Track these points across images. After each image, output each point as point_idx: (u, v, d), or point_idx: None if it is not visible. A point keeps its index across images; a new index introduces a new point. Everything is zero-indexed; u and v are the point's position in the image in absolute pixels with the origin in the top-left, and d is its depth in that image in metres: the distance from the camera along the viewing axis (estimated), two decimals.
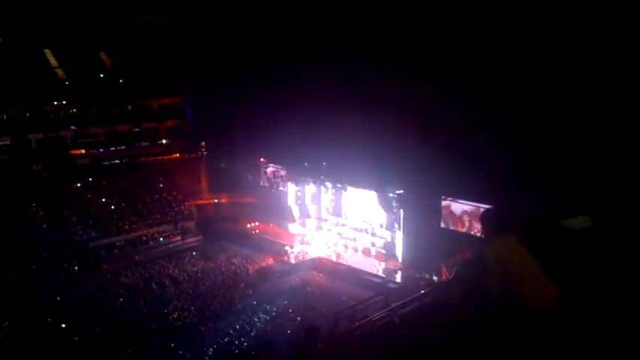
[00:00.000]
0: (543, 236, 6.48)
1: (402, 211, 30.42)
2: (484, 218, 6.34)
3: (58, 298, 28.32)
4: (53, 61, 41.68)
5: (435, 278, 26.63)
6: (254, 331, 24.21)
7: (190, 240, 37.65)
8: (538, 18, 24.40)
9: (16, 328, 24.80)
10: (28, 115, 40.07)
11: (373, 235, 32.23)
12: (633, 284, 6.29)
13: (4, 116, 39.37)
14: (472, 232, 26.82)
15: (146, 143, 43.73)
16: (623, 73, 21.73)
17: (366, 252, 32.32)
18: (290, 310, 26.38)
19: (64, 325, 25.41)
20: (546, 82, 24.15)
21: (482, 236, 6.35)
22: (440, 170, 26.31)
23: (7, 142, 38.74)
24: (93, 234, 35.23)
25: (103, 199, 38.29)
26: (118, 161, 41.82)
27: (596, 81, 22.43)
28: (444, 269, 25.41)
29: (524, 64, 25.05)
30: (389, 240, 31.33)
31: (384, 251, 31.49)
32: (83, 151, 40.89)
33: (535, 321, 5.62)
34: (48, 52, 41.55)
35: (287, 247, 34.81)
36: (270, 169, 39.24)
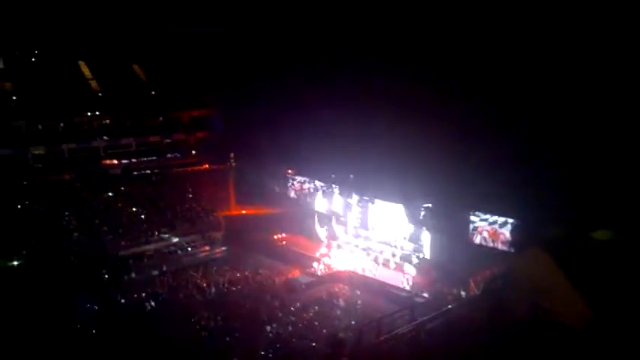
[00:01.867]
0: (572, 251, 6.39)
1: (429, 224, 30.20)
2: (515, 232, 6.30)
3: (88, 305, 28.75)
4: (87, 73, 42.73)
5: (462, 293, 26.33)
6: (279, 343, 24.18)
7: (218, 250, 37.91)
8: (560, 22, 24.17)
9: (48, 335, 25.21)
10: (62, 125, 41.06)
11: (402, 249, 32.04)
12: None
13: (39, 126, 40.40)
14: (500, 247, 26.47)
15: (176, 154, 44.40)
16: None
17: (394, 266, 32.11)
18: (316, 322, 26.30)
19: (94, 332, 25.78)
20: (577, 94, 23.87)
21: (511, 251, 6.30)
22: (470, 184, 26.11)
23: (42, 152, 39.70)
24: (123, 243, 35.75)
25: (134, 209, 38.88)
26: (148, 171, 42.52)
27: (623, 95, 22.11)
28: (473, 284, 25.13)
29: (557, 73, 24.81)
30: (417, 254, 31.10)
31: (413, 265, 31.26)
32: (115, 161, 41.72)
33: (565, 338, 5.54)
34: (82, 64, 42.63)
35: (314, 259, 34.78)
36: (297, 181, 39.38)
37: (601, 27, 23.00)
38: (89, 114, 41.97)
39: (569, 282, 5.75)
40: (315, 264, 34.35)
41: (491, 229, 27.86)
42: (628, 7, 22.23)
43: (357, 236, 34.77)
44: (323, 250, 36.20)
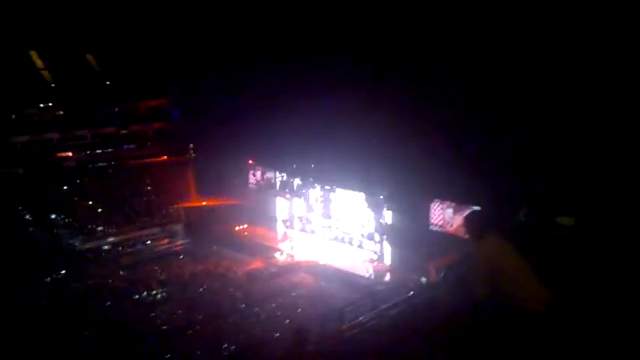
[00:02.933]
0: (531, 236, 6.50)
1: (390, 212, 30.47)
2: (470, 220, 6.36)
3: (44, 302, 28.05)
4: (39, 63, 41.34)
5: (423, 280, 26.68)
6: (242, 334, 24.09)
7: (178, 243, 37.38)
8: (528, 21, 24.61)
9: (0, 332, 24.51)
10: (13, 117, 39.71)
11: (362, 237, 32.26)
12: (619, 283, 6.33)
13: None
14: (461, 234, 26.89)
15: (133, 146, 43.50)
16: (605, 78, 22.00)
17: (355, 254, 32.33)
18: (279, 313, 26.31)
19: (49, 329, 25.15)
20: (536, 85, 24.35)
21: (469, 237, 6.35)
22: (428, 171, 26.41)
23: None
24: (79, 237, 34.90)
25: (90, 202, 37.97)
26: (104, 164, 41.52)
27: (583, 84, 22.66)
28: (433, 270, 25.48)
29: (512, 65, 25.26)
30: (378, 242, 31.38)
31: (373, 253, 31.52)
32: (69, 153, 40.58)
33: (524, 321, 5.63)
34: (34, 54, 41.22)
35: (276, 250, 34.69)
36: (258, 171, 39.14)
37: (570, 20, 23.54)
38: (42, 105, 40.66)
39: (529, 266, 5.84)
40: (277, 254, 34.28)
41: (451, 214, 28.25)
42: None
43: (319, 225, 34.79)
44: (284, 239, 36.14)
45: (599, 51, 22.25)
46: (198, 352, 22.53)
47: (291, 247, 34.87)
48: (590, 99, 22.33)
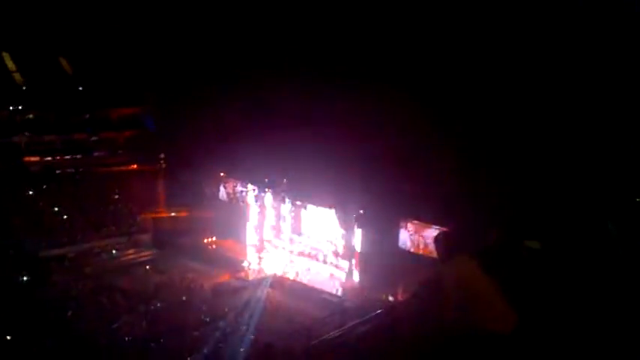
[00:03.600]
0: (500, 258, 6.61)
1: (360, 230, 30.56)
2: (440, 240, 6.44)
3: (5, 309, 27.28)
4: (11, 65, 40.60)
5: (391, 298, 26.77)
6: (206, 349, 23.77)
7: (144, 253, 36.86)
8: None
9: None
10: None
11: (331, 254, 32.23)
12: (587, 304, 6.47)
13: None
14: (430, 254, 27.11)
15: (103, 153, 42.87)
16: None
17: (324, 271, 32.27)
18: (244, 327, 26.06)
19: (8, 338, 24.46)
20: (505, 105, 24.86)
21: (438, 258, 6.43)
22: (399, 192, 26.67)
23: None
24: (43, 244, 34.13)
25: (56, 209, 37.24)
26: (72, 170, 40.80)
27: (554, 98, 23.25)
28: (401, 289, 25.60)
29: (482, 88, 25.77)
30: (347, 259, 31.39)
31: (342, 270, 31.51)
32: (37, 158, 39.79)
33: (490, 343, 5.70)
34: (6, 56, 40.48)
35: (244, 264, 34.43)
36: (229, 184, 38.94)
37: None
38: (11, 108, 39.87)
39: (496, 288, 5.93)
40: (245, 267, 34.05)
41: (420, 234, 28.51)
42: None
43: (289, 241, 34.67)
44: (252, 254, 35.91)
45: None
46: None
47: (259, 262, 34.68)
48: (557, 126, 22.89)
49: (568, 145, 22.38)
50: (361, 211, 30.57)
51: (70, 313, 27.66)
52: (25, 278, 31.37)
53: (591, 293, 6.61)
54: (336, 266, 31.87)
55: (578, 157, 21.98)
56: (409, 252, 28.55)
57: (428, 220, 27.84)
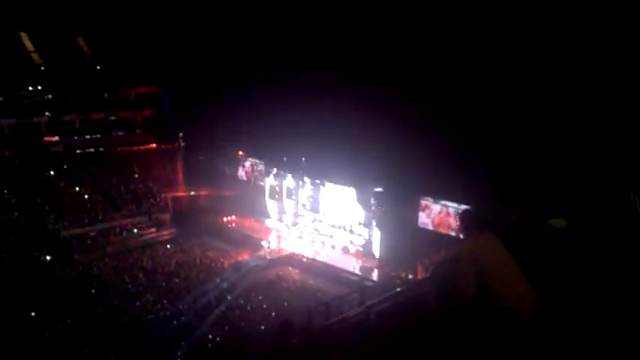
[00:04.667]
0: (522, 237, 6.45)
1: (380, 208, 30.43)
2: (463, 218, 6.30)
3: (28, 288, 27.78)
4: (29, 46, 40.83)
5: (411, 276, 26.71)
6: (227, 326, 23.97)
7: (165, 232, 37.12)
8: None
9: None
10: (1, 99, 39.22)
11: (351, 232, 32.19)
12: (608, 288, 6.30)
13: None
14: (449, 232, 26.94)
15: (122, 132, 43.13)
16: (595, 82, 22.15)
17: (344, 249, 32.27)
18: (264, 306, 26.19)
19: (33, 314, 24.91)
20: (525, 87, 24.42)
21: (461, 236, 6.30)
22: (419, 169, 26.40)
23: None
24: (65, 223, 34.57)
25: (77, 188, 37.59)
26: (92, 150, 41.15)
27: (572, 87, 22.77)
28: (421, 268, 25.52)
29: (503, 68, 25.34)
30: (366, 238, 31.34)
31: (361, 249, 31.48)
32: (57, 138, 40.17)
33: (509, 321, 5.59)
34: (24, 36, 40.69)
35: (263, 242, 34.56)
36: (248, 163, 38.96)
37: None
38: (30, 88, 40.18)
39: (518, 266, 5.79)
40: (264, 246, 34.16)
41: (440, 212, 28.30)
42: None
43: (308, 219, 34.68)
44: (273, 223, 36.01)
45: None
46: (183, 342, 22.36)
47: (279, 241, 34.79)
48: (579, 104, 22.44)
49: (587, 121, 21.93)
50: (380, 189, 30.41)
51: (92, 292, 28.07)
52: (47, 257, 31.80)
53: (616, 276, 6.44)
54: (356, 244, 31.84)
55: (597, 132, 21.53)
56: (429, 230, 28.34)
57: (448, 198, 27.60)
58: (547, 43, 23.84)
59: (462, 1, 27.81)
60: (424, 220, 28.93)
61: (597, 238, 7.05)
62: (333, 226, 33.17)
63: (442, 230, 27.90)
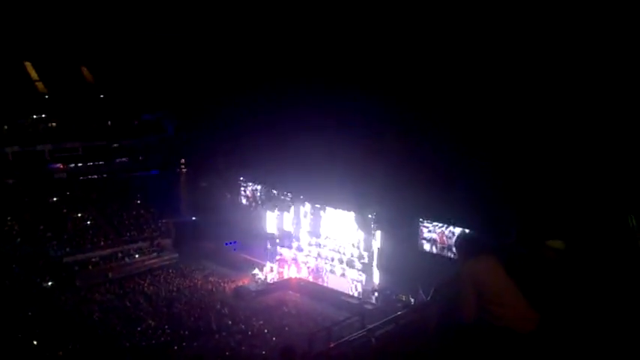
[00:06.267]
0: (520, 258, 6.61)
1: (379, 232, 30.55)
2: (460, 240, 6.48)
3: (30, 314, 27.81)
4: (34, 74, 41.40)
5: (412, 300, 26.70)
6: (228, 351, 23.95)
7: (166, 257, 37.25)
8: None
9: None
10: (5, 127, 39.64)
11: (352, 256, 32.24)
12: (608, 308, 6.45)
13: None
14: (449, 255, 26.99)
15: (124, 159, 43.46)
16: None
17: (344, 273, 32.30)
18: (265, 330, 26.19)
19: (35, 343, 24.90)
20: (524, 108, 24.71)
21: (459, 257, 6.48)
22: (419, 193, 26.56)
23: None
24: (67, 249, 34.69)
25: (79, 215, 37.83)
26: (95, 176, 41.45)
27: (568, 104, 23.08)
28: (422, 290, 25.51)
29: (501, 86, 25.67)
30: (366, 261, 31.40)
31: (361, 273, 31.51)
32: (60, 165, 40.49)
33: (511, 343, 5.72)
34: (28, 65, 41.28)
35: (265, 267, 34.59)
36: (249, 188, 39.15)
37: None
38: (35, 116, 40.66)
39: (517, 288, 5.95)
40: (265, 270, 34.18)
41: (440, 235, 28.36)
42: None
43: (308, 244, 34.76)
44: (273, 257, 36.09)
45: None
46: None
47: (280, 265, 34.82)
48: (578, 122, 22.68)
49: (585, 140, 22.16)
50: (379, 212, 30.52)
51: (94, 317, 28.07)
52: (49, 283, 31.87)
53: (615, 293, 6.59)
54: (356, 268, 31.88)
55: (596, 151, 21.74)
56: (429, 252, 28.39)
57: (446, 221, 27.71)
58: (544, 59, 24.19)
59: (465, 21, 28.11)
60: (424, 242, 28.97)
61: (596, 259, 7.22)
62: (334, 250, 33.22)
63: (442, 253, 27.92)
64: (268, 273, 33.96)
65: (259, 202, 37.78)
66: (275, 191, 36.58)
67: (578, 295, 6.54)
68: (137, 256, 36.50)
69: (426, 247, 28.56)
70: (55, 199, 38.32)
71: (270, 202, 36.74)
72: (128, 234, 37.71)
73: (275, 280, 33.58)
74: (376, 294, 30.27)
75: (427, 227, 28.60)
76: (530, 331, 5.71)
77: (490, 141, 25.51)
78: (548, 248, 6.60)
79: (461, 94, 27.16)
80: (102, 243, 36.20)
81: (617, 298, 6.65)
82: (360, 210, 31.22)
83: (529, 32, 24.70)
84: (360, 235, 31.72)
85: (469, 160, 25.87)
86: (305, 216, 34.96)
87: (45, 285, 31.71)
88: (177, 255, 37.50)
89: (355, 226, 31.76)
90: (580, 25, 22.92)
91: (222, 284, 32.87)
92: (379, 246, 30.78)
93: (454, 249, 6.42)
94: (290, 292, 32.24)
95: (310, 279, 33.38)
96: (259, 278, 33.26)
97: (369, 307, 28.93)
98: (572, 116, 22.94)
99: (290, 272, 34.17)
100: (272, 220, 36.91)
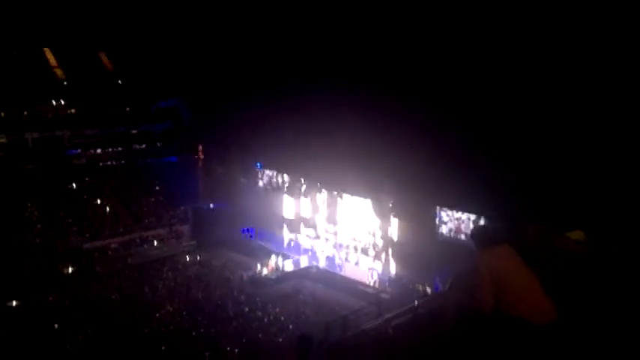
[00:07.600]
0: (545, 249, 6.46)
1: (396, 220, 30.37)
2: (477, 230, 6.34)
3: (50, 299, 28.18)
4: (52, 61, 41.73)
5: (429, 289, 26.56)
6: (244, 338, 24.03)
7: (184, 244, 37.43)
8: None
9: (8, 329, 24.64)
10: (25, 114, 40.05)
11: (367, 244, 32.13)
12: (627, 301, 6.26)
13: (2, 114, 39.35)
14: (467, 243, 26.73)
15: (143, 145, 43.71)
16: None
17: (361, 262, 32.21)
18: (282, 318, 26.24)
19: (56, 326, 25.24)
20: (543, 96, 24.33)
21: (476, 247, 6.34)
22: (437, 180, 26.33)
23: (4, 141, 38.69)
24: (87, 235, 35.04)
25: (98, 201, 38.15)
26: (114, 163, 41.76)
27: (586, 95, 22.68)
28: (439, 280, 25.36)
29: (518, 79, 25.31)
30: (382, 249, 31.25)
31: (378, 261, 31.40)
32: (80, 151, 40.86)
33: (527, 334, 5.59)
34: (47, 52, 41.61)
35: (281, 254, 34.62)
36: (266, 175, 39.17)
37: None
38: (54, 103, 41.01)
39: (535, 278, 5.80)
40: (282, 258, 34.19)
41: (458, 223, 28.11)
42: None
43: (325, 231, 34.70)
44: (289, 245, 36.11)
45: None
46: (207, 354, 22.44)
47: (296, 253, 34.83)
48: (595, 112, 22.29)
49: (606, 132, 21.76)
50: (396, 200, 30.35)
51: (113, 303, 28.36)
52: (69, 269, 32.24)
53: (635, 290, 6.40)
54: (373, 257, 31.77)
55: (616, 142, 21.33)
56: (446, 241, 28.16)
57: (463, 209, 27.44)
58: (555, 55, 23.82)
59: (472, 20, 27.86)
60: (443, 230, 28.74)
61: (616, 249, 7.03)
62: (351, 238, 33.14)
63: (460, 240, 27.69)
64: (284, 261, 33.99)
65: (276, 188, 37.81)
66: (291, 177, 36.59)
67: (599, 286, 6.37)
68: (155, 242, 36.72)
69: (444, 234, 28.34)
70: (74, 185, 38.65)
71: (286, 188, 36.77)
72: (146, 220, 37.93)
73: (291, 267, 33.60)
74: (393, 283, 30.13)
75: (446, 214, 28.37)
76: (548, 322, 5.58)
77: (511, 128, 25.16)
78: (569, 239, 6.43)
79: (482, 83, 26.80)
80: (121, 229, 36.44)
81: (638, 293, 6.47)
82: (377, 197, 31.06)
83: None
84: (376, 223, 31.58)
85: (487, 148, 25.56)
86: (322, 203, 34.88)
87: (65, 271, 32.04)
88: (194, 242, 37.64)
89: (372, 213, 31.62)
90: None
91: (239, 271, 32.97)
92: (396, 234, 30.62)
93: (471, 240, 6.27)
94: (307, 280, 32.23)
95: (326, 267, 33.34)
96: (276, 265, 33.29)
97: (386, 296, 28.83)
98: (596, 107, 22.53)
99: (306, 260, 34.16)
100: (289, 207, 36.89)
